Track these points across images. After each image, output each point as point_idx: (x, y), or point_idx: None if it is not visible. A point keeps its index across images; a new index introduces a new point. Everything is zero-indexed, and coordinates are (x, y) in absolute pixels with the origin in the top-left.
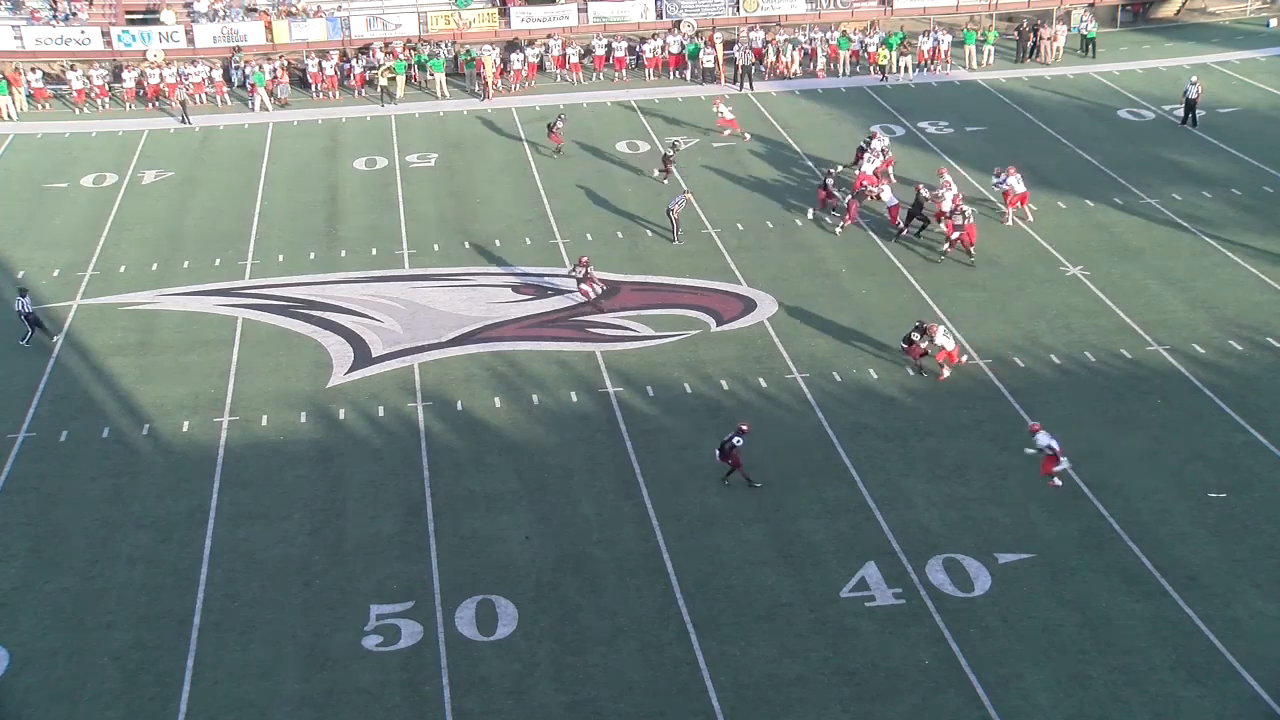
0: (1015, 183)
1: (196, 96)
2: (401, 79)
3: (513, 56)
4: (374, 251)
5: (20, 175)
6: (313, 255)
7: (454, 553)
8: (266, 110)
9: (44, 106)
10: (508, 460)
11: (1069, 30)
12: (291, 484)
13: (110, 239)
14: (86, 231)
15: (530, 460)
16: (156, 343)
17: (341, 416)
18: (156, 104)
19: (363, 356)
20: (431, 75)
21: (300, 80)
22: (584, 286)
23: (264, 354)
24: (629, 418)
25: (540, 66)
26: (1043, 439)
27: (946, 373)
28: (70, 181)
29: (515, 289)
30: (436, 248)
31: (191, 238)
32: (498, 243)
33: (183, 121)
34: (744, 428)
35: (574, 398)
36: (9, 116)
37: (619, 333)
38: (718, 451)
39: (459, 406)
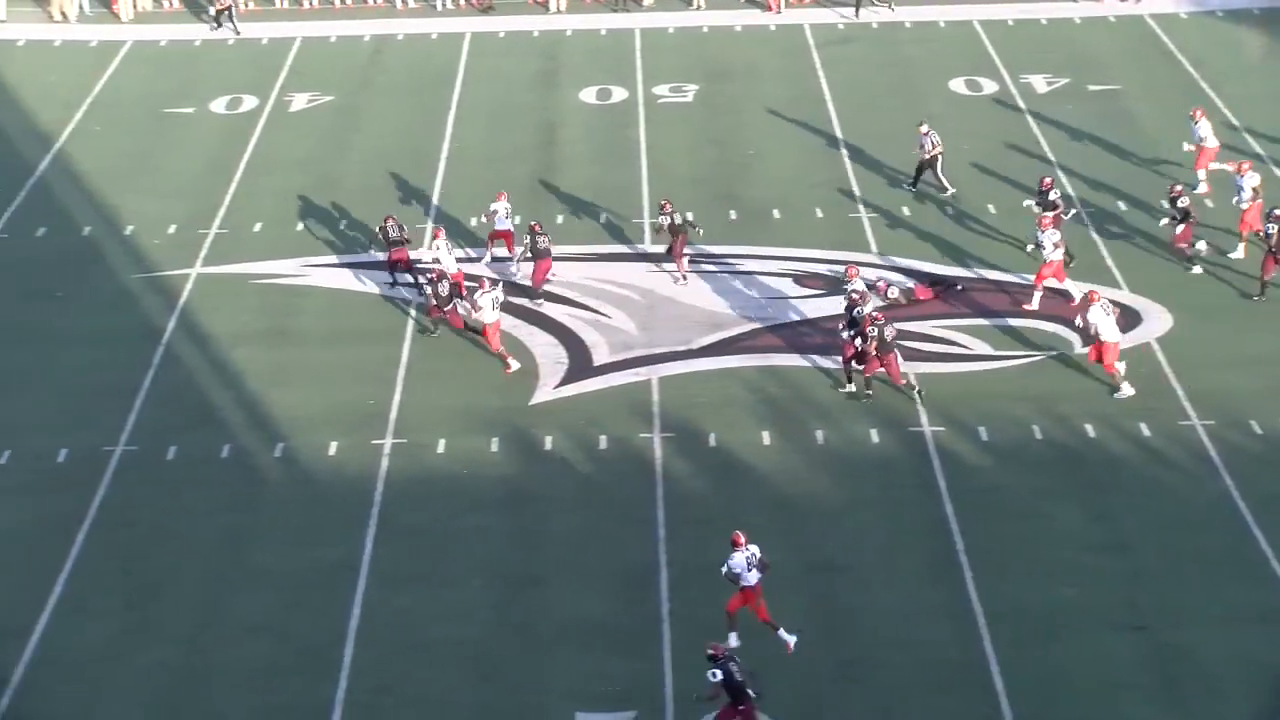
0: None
1: None
2: None
3: None
4: (603, 219)
5: (135, 97)
6: (517, 219)
7: (694, 647)
8: (560, 12)
9: (169, 4)
10: (775, 520)
11: None
12: (472, 537)
13: (244, 186)
14: (213, 175)
15: (807, 521)
16: (298, 331)
17: (547, 446)
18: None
19: (581, 364)
20: None
21: None
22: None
23: (445, 354)
24: (951, 469)
25: None
26: (737, 563)
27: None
28: (197, 106)
29: (798, 280)
30: (690, 217)
31: (352, 188)
32: (776, 214)
33: (216, 26)
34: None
35: (874, 437)
36: (124, 17)
37: (942, 349)
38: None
39: (711, 441)
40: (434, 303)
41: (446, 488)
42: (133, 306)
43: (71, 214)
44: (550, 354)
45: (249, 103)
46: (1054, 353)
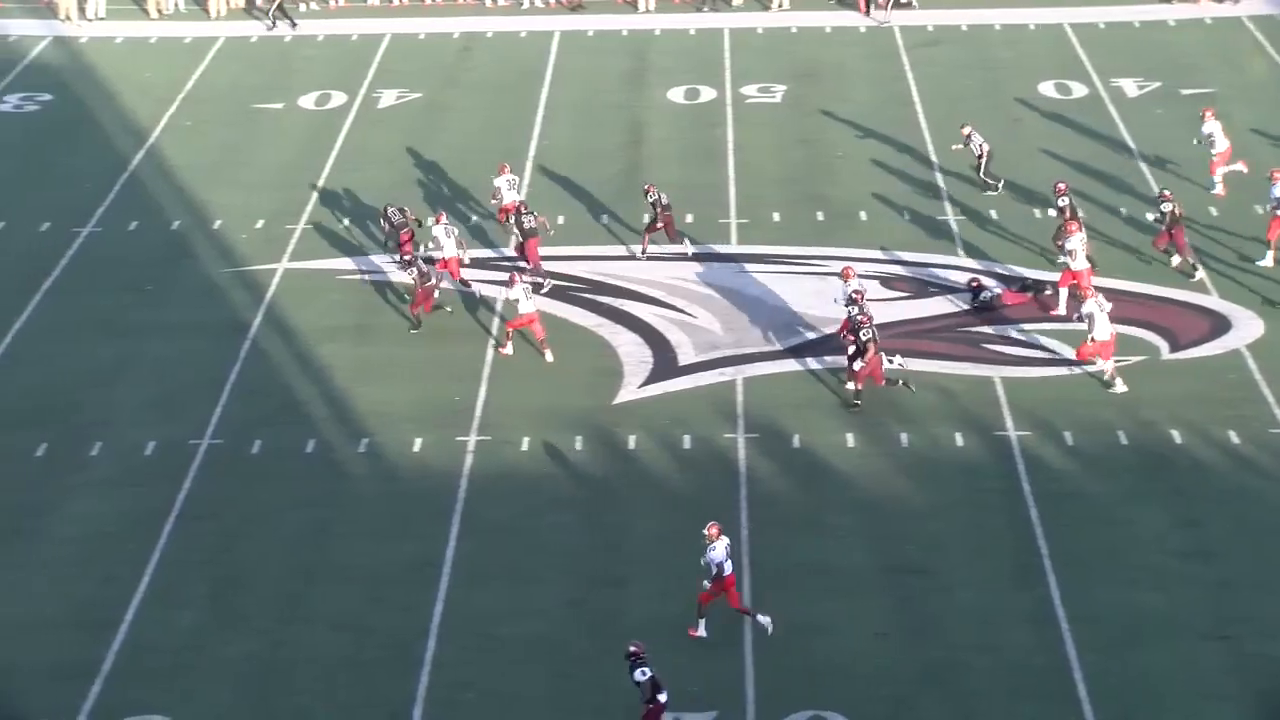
0: None
1: None
2: None
3: None
4: (690, 218)
5: (225, 92)
6: (604, 219)
7: (776, 647)
8: (649, 11)
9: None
10: (858, 522)
11: None
12: (554, 534)
13: (332, 181)
14: (301, 171)
15: (890, 524)
16: (383, 327)
17: (631, 445)
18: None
19: (665, 363)
20: None
21: None
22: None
23: (530, 352)
24: (1036, 473)
25: None
26: (719, 554)
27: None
28: (286, 101)
29: (885, 282)
30: (776, 218)
31: (440, 185)
32: (863, 215)
33: (271, 26)
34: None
35: (959, 440)
36: (217, 14)
37: (1029, 353)
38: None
39: (795, 442)
40: (419, 283)
41: (529, 485)
42: (220, 301)
43: (162, 208)
44: (635, 353)
45: (338, 99)
46: (1142, 358)
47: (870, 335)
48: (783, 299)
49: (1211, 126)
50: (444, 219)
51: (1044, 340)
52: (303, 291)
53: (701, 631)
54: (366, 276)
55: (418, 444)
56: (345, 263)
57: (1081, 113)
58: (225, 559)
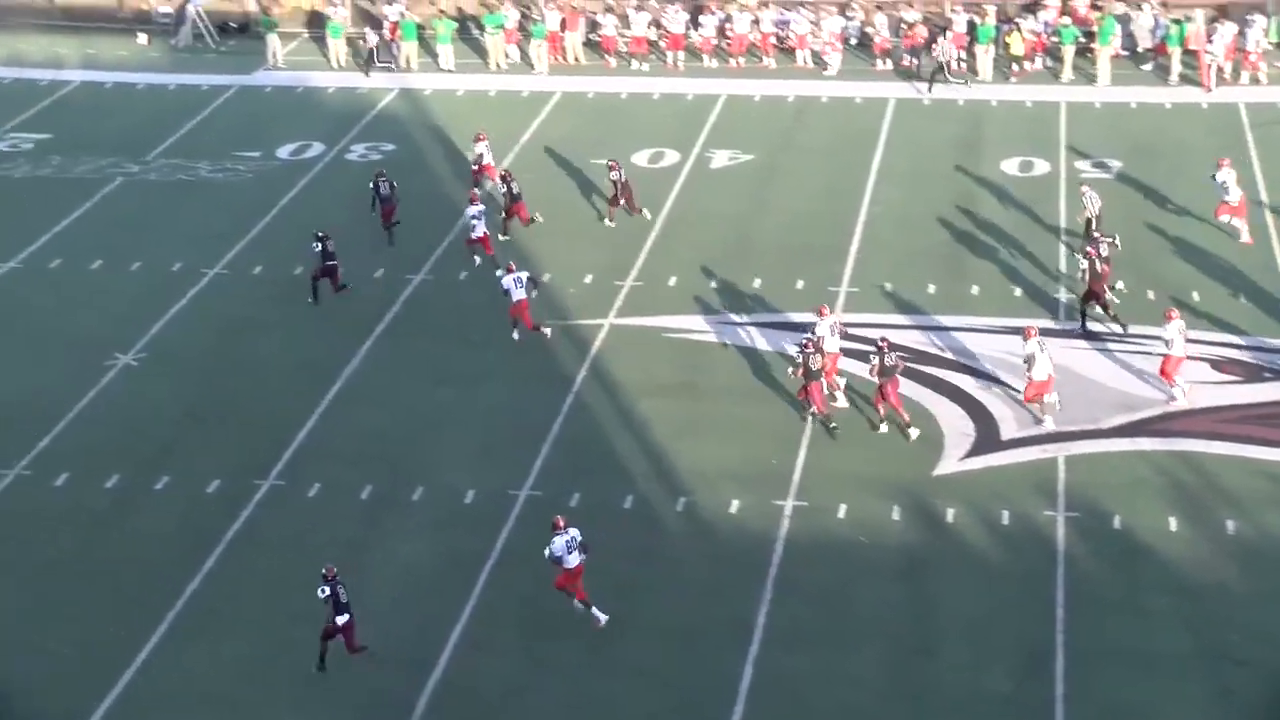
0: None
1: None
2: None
3: None
4: (1018, 291)
5: (561, 144)
6: (932, 289)
7: None
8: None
9: (626, 61)
10: (1179, 606)
11: None
12: (869, 603)
13: (661, 239)
14: (632, 227)
15: (1212, 610)
16: (707, 386)
17: (949, 518)
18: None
19: (988, 437)
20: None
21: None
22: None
23: (852, 419)
24: None
25: None
26: (558, 546)
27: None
28: (620, 157)
29: (1215, 365)
30: (1114, 293)
31: (767, 247)
32: (1196, 295)
33: (367, 74)
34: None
35: None
36: (536, 68)
37: None
38: None
39: (1116, 523)
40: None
41: (844, 552)
42: (546, 353)
43: (492, 260)
44: (957, 425)
45: (670, 157)
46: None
47: (801, 360)
48: (1109, 377)
49: (1225, 175)
50: (478, 199)
51: None
52: (628, 347)
53: (601, 616)
54: (693, 335)
55: (735, 505)
56: (672, 320)
57: None
58: (538, 608)
